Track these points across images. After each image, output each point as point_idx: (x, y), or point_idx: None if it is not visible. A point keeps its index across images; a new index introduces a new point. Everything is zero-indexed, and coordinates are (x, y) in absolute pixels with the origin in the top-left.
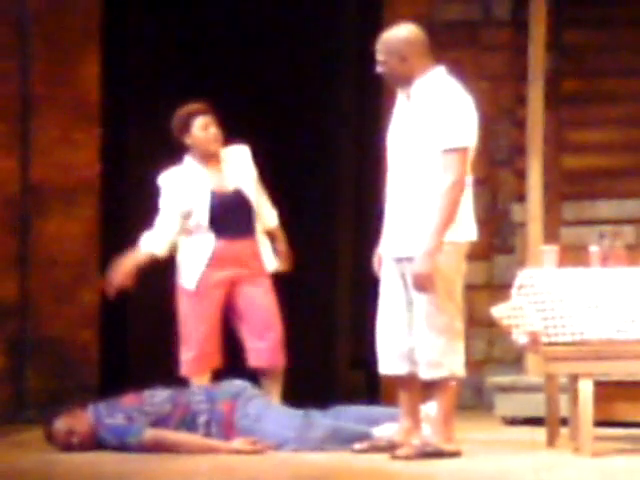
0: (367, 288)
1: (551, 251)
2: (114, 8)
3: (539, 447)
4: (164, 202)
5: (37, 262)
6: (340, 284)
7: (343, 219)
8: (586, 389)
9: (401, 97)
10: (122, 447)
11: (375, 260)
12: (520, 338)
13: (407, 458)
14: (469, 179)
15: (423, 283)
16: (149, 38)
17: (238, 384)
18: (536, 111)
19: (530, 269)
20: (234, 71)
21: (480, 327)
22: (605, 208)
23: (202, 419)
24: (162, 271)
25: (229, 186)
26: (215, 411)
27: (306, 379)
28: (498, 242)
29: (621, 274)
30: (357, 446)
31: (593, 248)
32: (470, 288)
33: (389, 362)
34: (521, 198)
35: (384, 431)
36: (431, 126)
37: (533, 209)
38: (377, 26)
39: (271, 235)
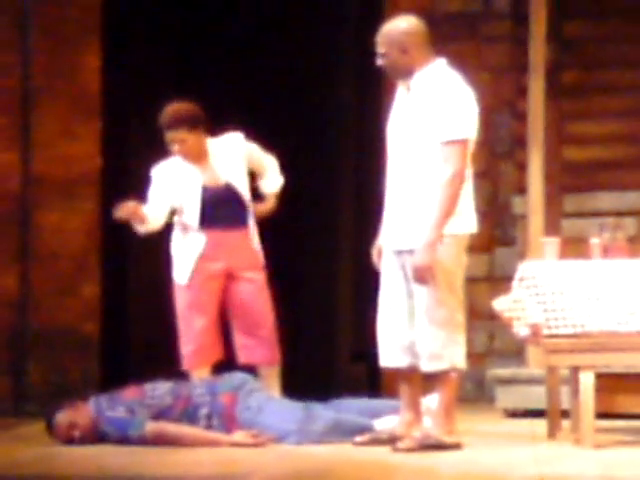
0: (368, 281)
1: (552, 243)
2: (114, 0)
3: (540, 439)
4: (152, 194)
5: (38, 255)
6: (341, 277)
7: (343, 212)
8: (587, 381)
9: (401, 89)
10: (123, 440)
11: (375, 252)
12: (521, 330)
13: (408, 450)
14: (469, 171)
15: (423, 275)
16: (150, 30)
17: (239, 377)
18: (537, 103)
19: (531, 261)
20: (233, 64)
21: (481, 320)
22: (606, 200)
23: (203, 412)
24: (162, 263)
25: (219, 180)
26: (216, 404)
27: (307, 372)
28: (499, 234)
29: (622, 266)
30: (358, 439)
31: (594, 240)
32: (471, 280)
33: (390, 355)
34: (522, 190)
35: (385, 424)
36: (431, 118)
37: (534, 201)
38: (378, 19)
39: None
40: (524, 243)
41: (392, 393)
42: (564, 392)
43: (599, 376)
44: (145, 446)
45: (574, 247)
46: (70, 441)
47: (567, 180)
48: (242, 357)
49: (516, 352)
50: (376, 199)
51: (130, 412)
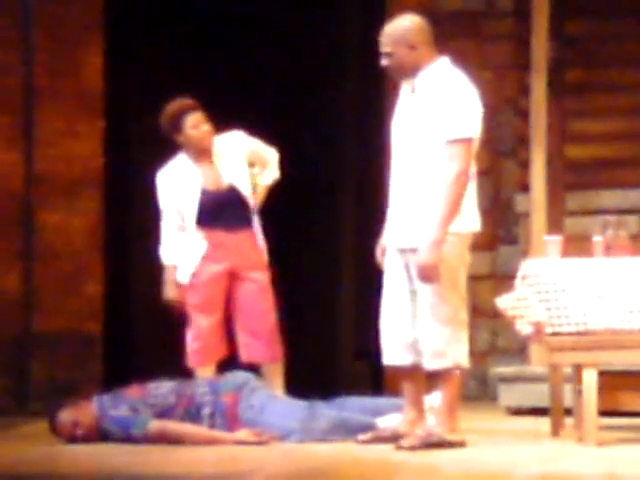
0: (371, 279)
1: (555, 241)
2: None
3: (543, 437)
4: (163, 204)
5: (41, 254)
6: (344, 275)
7: (346, 210)
8: (590, 379)
9: (405, 88)
10: (126, 439)
11: (378, 251)
12: (524, 328)
13: (411, 448)
14: (473, 170)
15: (428, 274)
16: (152, 28)
17: (242, 375)
18: (539, 101)
19: (534, 259)
20: (236, 63)
21: (484, 317)
22: (609, 198)
23: (206, 411)
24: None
25: (222, 183)
26: (219, 403)
27: (310, 370)
28: (502, 232)
29: (625, 264)
30: (361, 437)
31: (597, 238)
32: (474, 279)
33: (393, 353)
34: (524, 188)
35: (388, 422)
36: (436, 117)
37: (537, 199)
38: (381, 18)
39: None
40: (527, 241)
41: (395, 391)
42: (567, 390)
43: (602, 374)
44: (148, 445)
45: (577, 245)
46: (73, 440)
47: (570, 178)
48: (244, 355)
49: (519, 350)
50: (379, 197)
51: (133, 411)
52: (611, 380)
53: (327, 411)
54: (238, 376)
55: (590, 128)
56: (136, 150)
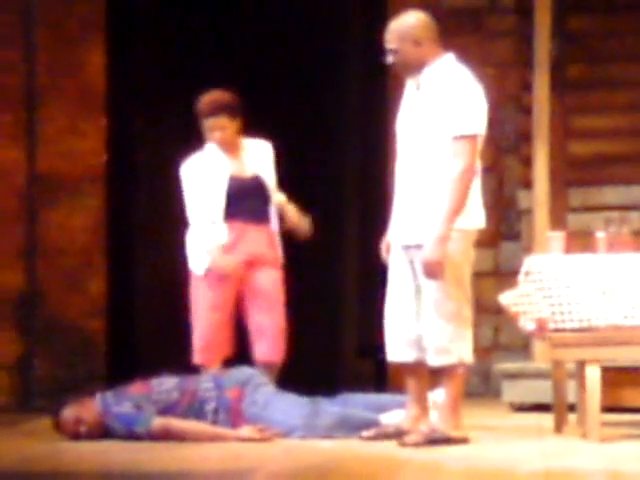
0: (375, 275)
1: (557, 237)
2: None
3: (547, 433)
4: (188, 195)
5: (44, 252)
6: (348, 271)
7: (350, 207)
8: (593, 375)
9: (410, 85)
10: (130, 435)
11: (383, 247)
12: (527, 325)
13: (415, 445)
14: (478, 167)
15: (433, 270)
16: (154, 26)
17: (246, 371)
18: (542, 98)
19: (537, 256)
20: (238, 61)
21: (487, 314)
22: (611, 194)
23: (210, 407)
24: (169, 259)
25: (247, 172)
26: (223, 398)
27: (314, 367)
28: (504, 229)
29: (627, 260)
30: (365, 433)
31: (599, 234)
32: (477, 275)
33: (397, 349)
34: (527, 185)
35: (392, 418)
36: (441, 113)
37: (539, 196)
38: (383, 15)
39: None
40: (530, 237)
41: (398, 388)
42: (570, 386)
43: (605, 370)
44: (151, 441)
45: (580, 241)
46: (77, 437)
47: (572, 174)
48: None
49: (522, 346)
50: (383, 194)
51: (136, 407)
52: (614, 376)
53: (330, 408)
54: (242, 372)
55: (592, 124)
56: (139, 147)
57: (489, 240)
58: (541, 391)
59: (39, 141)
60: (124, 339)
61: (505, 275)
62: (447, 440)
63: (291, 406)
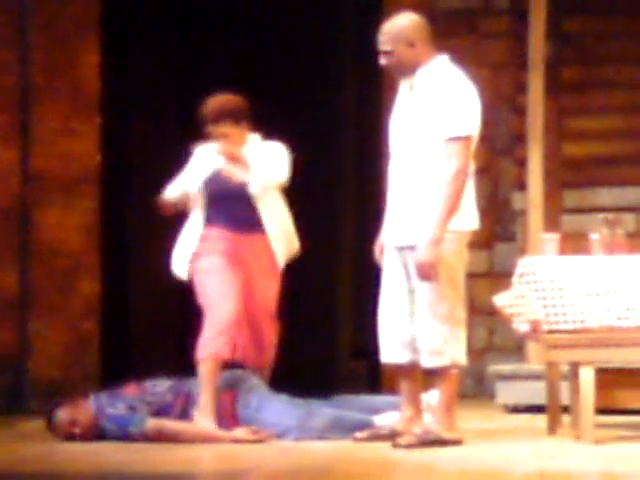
0: (368, 277)
1: (552, 239)
2: None
3: (540, 435)
4: (184, 171)
5: (38, 253)
6: (342, 273)
7: (344, 209)
8: (587, 377)
9: (404, 86)
10: (124, 437)
11: (377, 249)
12: (521, 326)
13: (408, 446)
14: (471, 168)
15: (427, 272)
16: (149, 26)
17: (239, 374)
18: (536, 99)
19: (531, 257)
20: (233, 61)
21: (481, 315)
22: (606, 196)
23: None
24: (163, 260)
25: (237, 177)
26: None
27: (308, 368)
28: (499, 230)
29: (622, 262)
30: (358, 435)
31: (594, 236)
32: (471, 276)
33: (391, 351)
34: (522, 186)
35: (386, 420)
36: (435, 114)
37: (534, 197)
38: (377, 16)
39: None
40: (524, 239)
41: (392, 389)
42: (564, 388)
43: (599, 371)
44: (145, 443)
45: (574, 243)
46: (70, 438)
47: (567, 176)
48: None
49: (516, 348)
50: (377, 196)
51: (130, 409)
52: (608, 378)
53: (324, 409)
54: (235, 374)
55: (587, 126)
56: (133, 148)
57: (483, 241)
58: (535, 392)
59: (33, 141)
60: (118, 340)
61: (499, 276)
62: (441, 441)
63: (285, 407)
